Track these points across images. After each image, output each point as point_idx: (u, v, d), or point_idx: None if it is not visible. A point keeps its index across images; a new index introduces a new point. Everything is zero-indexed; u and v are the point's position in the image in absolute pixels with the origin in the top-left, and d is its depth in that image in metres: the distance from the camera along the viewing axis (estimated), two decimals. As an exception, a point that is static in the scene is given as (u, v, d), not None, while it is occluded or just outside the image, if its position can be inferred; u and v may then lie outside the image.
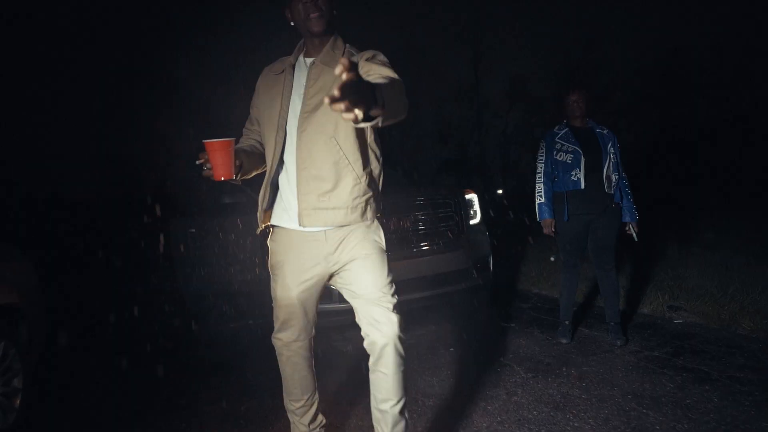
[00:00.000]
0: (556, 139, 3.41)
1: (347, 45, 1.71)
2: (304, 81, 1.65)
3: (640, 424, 2.26)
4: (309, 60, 1.68)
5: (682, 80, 21.39)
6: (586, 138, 3.36)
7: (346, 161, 1.58)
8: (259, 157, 1.77)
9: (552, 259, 5.89)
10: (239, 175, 1.62)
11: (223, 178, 1.49)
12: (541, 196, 3.41)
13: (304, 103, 1.61)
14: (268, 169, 1.72)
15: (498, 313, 4.40)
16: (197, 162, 1.54)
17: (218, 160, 1.47)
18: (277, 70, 1.73)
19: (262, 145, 1.79)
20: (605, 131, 3.43)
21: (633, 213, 3.39)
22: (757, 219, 8.54)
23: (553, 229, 3.39)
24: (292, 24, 1.65)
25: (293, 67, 1.71)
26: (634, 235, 3.39)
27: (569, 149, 3.35)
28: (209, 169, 1.50)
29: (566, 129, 3.42)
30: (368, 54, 1.58)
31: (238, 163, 1.57)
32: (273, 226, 1.76)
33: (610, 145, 3.35)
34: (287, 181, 1.68)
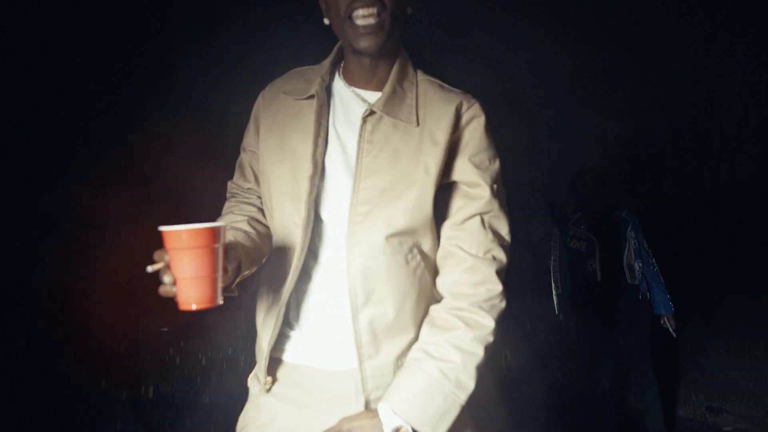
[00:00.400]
0: (570, 225, 3.13)
1: (419, 72, 1.01)
2: (352, 131, 0.97)
3: None
4: (354, 91, 1.01)
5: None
6: (602, 223, 3.09)
7: (422, 269, 0.95)
8: (261, 248, 0.99)
9: None
10: (233, 289, 0.90)
11: (196, 307, 0.74)
12: (558, 286, 3.08)
13: (358, 175, 0.92)
14: (274, 268, 0.99)
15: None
16: (149, 269, 0.77)
17: (191, 267, 0.73)
18: (300, 92, 1.00)
19: (264, 218, 1.06)
20: (623, 213, 3.12)
21: (667, 305, 2.99)
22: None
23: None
24: (326, 22, 0.98)
25: (327, 91, 1.02)
26: (671, 329, 2.99)
27: (583, 236, 3.06)
28: (171, 284, 0.75)
29: (579, 214, 3.15)
30: (471, 125, 0.96)
31: (231, 268, 0.82)
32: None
33: (629, 229, 3.05)
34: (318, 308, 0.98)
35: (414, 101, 0.95)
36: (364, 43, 0.89)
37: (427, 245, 0.93)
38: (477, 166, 0.93)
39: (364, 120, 0.93)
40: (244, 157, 1.09)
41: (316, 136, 0.94)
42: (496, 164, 0.95)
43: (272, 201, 0.97)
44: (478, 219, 0.92)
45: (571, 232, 3.11)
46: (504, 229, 0.94)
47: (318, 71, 1.02)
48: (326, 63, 1.03)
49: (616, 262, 2.99)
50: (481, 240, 0.91)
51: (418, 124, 0.92)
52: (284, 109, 1.01)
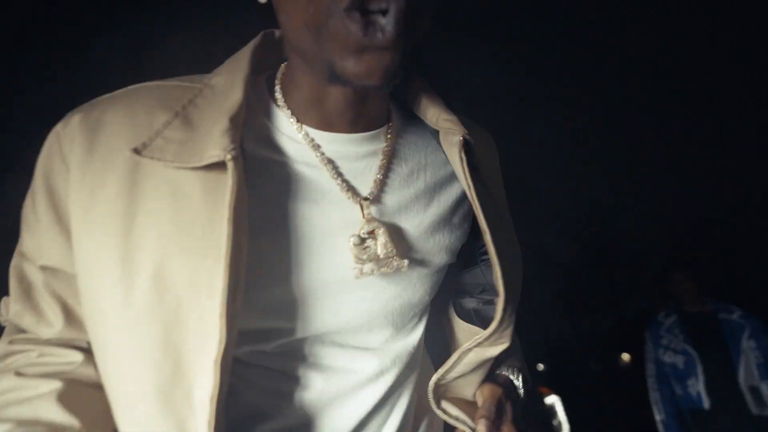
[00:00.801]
0: (661, 332, 2.43)
1: (448, 113, 0.63)
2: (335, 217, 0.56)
3: None
4: (311, 134, 0.56)
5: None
6: (704, 329, 2.39)
7: None
8: None
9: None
10: None
11: None
12: (660, 409, 2.25)
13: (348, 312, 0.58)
14: None
15: None
16: None
17: None
18: (181, 150, 0.51)
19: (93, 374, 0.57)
20: (735, 315, 2.40)
21: None
22: None
23: None
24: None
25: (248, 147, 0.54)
26: None
27: (678, 348, 2.35)
28: None
29: (674, 316, 2.46)
30: None
31: None
32: None
33: (746, 336, 2.33)
34: None
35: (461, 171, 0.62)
36: (372, 80, 0.46)
37: None
38: None
39: (475, 170, 0.59)
40: (38, 280, 0.56)
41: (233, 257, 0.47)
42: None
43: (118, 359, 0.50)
44: None
45: (664, 342, 2.40)
46: None
47: (215, 99, 0.53)
48: (237, 79, 0.54)
49: (731, 383, 2.23)
50: None
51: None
52: (139, 185, 0.50)
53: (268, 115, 0.57)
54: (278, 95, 0.57)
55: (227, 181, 0.47)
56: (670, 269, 2.53)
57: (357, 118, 0.57)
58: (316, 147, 0.56)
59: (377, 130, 0.60)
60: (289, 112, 0.56)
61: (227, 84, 0.54)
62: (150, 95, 0.54)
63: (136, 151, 0.49)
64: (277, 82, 0.59)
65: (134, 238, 0.48)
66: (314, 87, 0.54)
